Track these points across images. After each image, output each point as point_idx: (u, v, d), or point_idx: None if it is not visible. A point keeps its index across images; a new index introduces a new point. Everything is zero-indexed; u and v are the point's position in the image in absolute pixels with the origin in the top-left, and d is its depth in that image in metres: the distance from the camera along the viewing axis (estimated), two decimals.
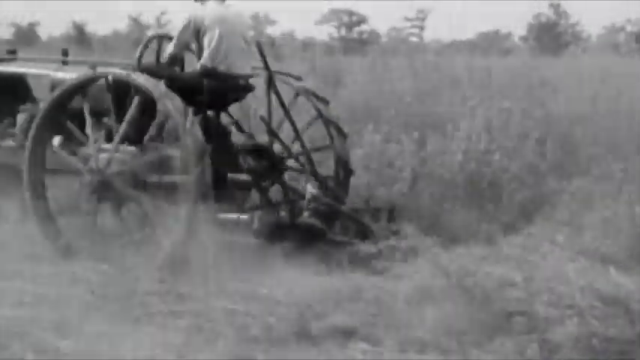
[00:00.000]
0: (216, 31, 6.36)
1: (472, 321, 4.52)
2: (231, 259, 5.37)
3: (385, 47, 32.66)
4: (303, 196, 6.48)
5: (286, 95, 6.90)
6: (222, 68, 6.39)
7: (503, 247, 5.47)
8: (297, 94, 6.95)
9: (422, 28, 51.76)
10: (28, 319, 4.60)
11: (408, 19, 52.33)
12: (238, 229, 6.00)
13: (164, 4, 57.03)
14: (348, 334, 4.51)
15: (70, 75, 6.50)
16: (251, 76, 6.65)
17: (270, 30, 52.62)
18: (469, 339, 4.44)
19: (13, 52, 7.57)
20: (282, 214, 6.42)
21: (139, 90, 6.02)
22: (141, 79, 6.00)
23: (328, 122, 6.92)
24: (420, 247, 5.68)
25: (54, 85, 6.57)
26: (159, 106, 5.98)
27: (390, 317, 4.67)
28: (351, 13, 52.67)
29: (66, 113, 6.31)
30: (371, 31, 52.37)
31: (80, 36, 43.03)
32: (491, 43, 41.70)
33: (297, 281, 5.24)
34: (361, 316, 4.72)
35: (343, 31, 52.89)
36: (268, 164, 6.61)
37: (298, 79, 7.13)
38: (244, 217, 6.12)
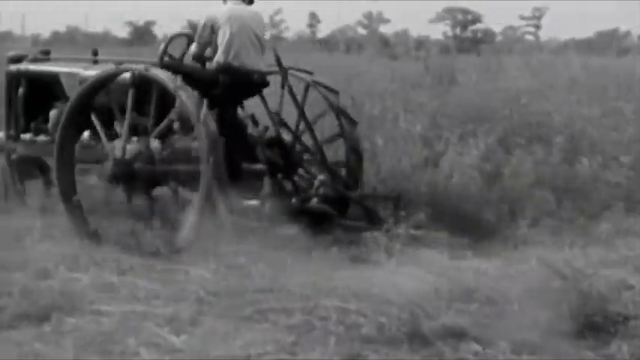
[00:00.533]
0: (228, 29, 6.68)
1: (587, 324, 4.40)
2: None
3: (499, 46, 32.21)
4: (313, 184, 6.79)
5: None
6: (235, 64, 6.71)
7: (620, 249, 5.31)
8: (307, 87, 7.15)
9: (538, 27, 50.90)
10: (142, 314, 4.69)
11: (523, 18, 51.56)
12: (250, 215, 6.26)
13: (279, 4, 57.67)
14: (459, 335, 4.43)
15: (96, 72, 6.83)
16: (264, 72, 6.95)
17: (384, 29, 52.57)
18: (585, 343, 4.32)
19: (47, 52, 7.92)
20: (294, 200, 6.61)
21: (156, 84, 6.34)
22: (158, 73, 6.34)
23: (339, 112, 7.16)
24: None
25: (82, 82, 6.85)
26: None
27: (502, 318, 4.56)
28: (465, 12, 52.18)
29: (91, 108, 6.65)
30: (485, 29, 51.73)
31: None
32: (609, 41, 40.56)
33: (407, 281, 5.18)
34: (473, 316, 4.63)
35: (457, 30, 52.39)
36: (283, 155, 6.94)
37: (310, 73, 7.33)
38: (255, 203, 6.38)
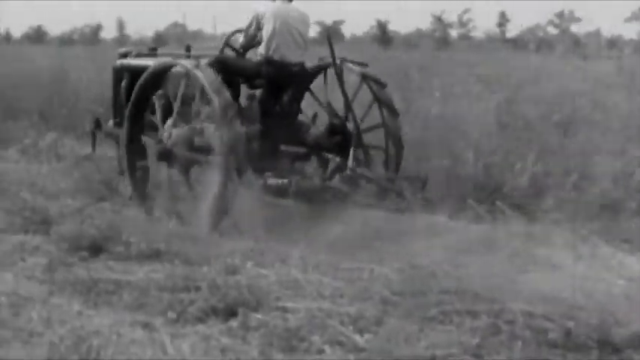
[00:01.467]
0: (271, 25, 7.31)
1: None
2: None
3: None
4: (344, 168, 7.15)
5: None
6: (276, 57, 7.35)
7: None
8: (362, 78, 7.61)
9: None
10: (327, 312, 4.70)
11: None
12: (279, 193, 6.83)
13: (468, 4, 57.16)
14: None
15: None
16: (303, 65, 7.55)
17: (575, 28, 51.01)
18: None
19: (154, 49, 8.63)
20: (315, 180, 7.11)
21: (186, 73, 6.91)
22: (183, 63, 6.99)
23: (382, 103, 7.56)
24: None
25: None
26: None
27: None
28: None
29: (149, 98, 7.37)
30: None
31: (382, 35, 44.12)
32: None
33: (595, 285, 4.97)
34: None
35: None
36: (343, 141, 7.42)
37: (365, 65, 7.72)
38: (284, 181, 6.79)
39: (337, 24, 50.96)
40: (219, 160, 6.51)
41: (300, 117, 7.79)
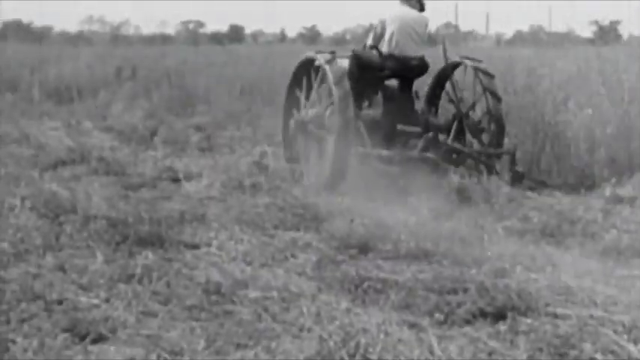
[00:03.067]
0: (392, 27, 8.87)
1: None
2: None
3: None
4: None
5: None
6: (396, 53, 8.87)
7: None
8: (474, 70, 9.00)
9: None
10: (600, 320, 4.51)
11: None
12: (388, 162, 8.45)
13: None
14: None
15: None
16: (422, 59, 8.96)
17: None
18: None
19: (333, 52, 9.19)
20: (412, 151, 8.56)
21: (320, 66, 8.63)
22: (319, 57, 8.64)
23: (487, 91, 8.84)
24: None
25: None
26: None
27: None
28: None
29: (300, 82, 9.15)
30: None
31: None
32: None
33: None
34: None
35: None
36: (447, 122, 9.04)
37: (479, 61, 9.11)
38: (389, 152, 8.43)
39: (614, 24, 48.78)
40: (334, 138, 8.20)
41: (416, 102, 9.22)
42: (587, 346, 4.18)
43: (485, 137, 8.89)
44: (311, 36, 59.21)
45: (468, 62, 9.08)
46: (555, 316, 4.64)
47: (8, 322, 4.41)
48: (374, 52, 9.00)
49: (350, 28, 62.70)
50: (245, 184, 8.01)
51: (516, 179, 8.33)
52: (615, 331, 4.34)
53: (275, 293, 5.03)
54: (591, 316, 4.58)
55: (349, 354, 4.06)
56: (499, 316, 4.60)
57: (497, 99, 8.85)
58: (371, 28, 9.79)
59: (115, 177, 8.74)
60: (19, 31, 46.82)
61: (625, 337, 4.27)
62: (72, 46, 29.08)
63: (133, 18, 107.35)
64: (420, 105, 9.20)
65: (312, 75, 8.91)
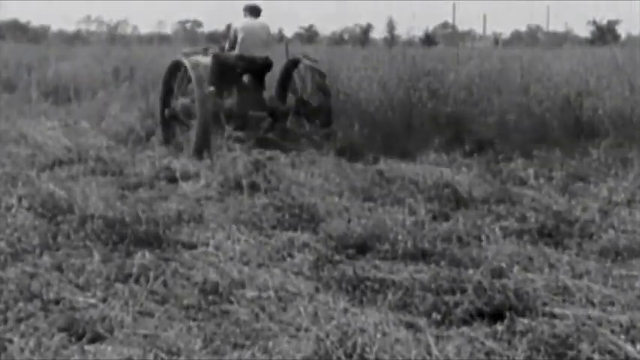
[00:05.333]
0: (241, 35, 11.24)
1: None
2: None
3: None
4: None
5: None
6: (246, 54, 11.26)
7: None
8: (310, 69, 11.32)
9: None
10: (597, 320, 4.51)
11: None
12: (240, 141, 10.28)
13: None
14: None
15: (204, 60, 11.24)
16: (266, 58, 11.37)
17: None
18: None
19: (206, 49, 11.84)
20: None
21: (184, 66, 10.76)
22: (185, 61, 10.75)
23: (318, 86, 11.11)
24: None
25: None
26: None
27: None
28: None
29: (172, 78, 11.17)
30: None
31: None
32: None
33: None
34: None
35: None
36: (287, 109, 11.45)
37: (315, 61, 11.48)
38: (241, 134, 10.64)
39: (612, 24, 48.79)
40: (197, 123, 10.20)
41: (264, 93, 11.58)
42: (585, 346, 4.18)
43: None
44: (308, 36, 59.22)
45: (305, 61, 11.36)
46: (553, 316, 4.65)
47: (5, 321, 4.41)
48: (230, 54, 11.32)
49: (348, 28, 62.79)
50: (242, 184, 7.99)
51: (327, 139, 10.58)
52: (613, 331, 4.35)
53: (272, 293, 5.03)
54: (589, 317, 4.59)
55: (346, 354, 4.06)
56: (497, 316, 4.60)
57: (326, 93, 11.09)
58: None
59: (113, 177, 8.73)
60: (17, 30, 46.81)
61: (622, 337, 4.28)
62: (69, 45, 29.05)
63: (130, 18, 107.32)
64: (267, 95, 11.59)
65: (182, 73, 10.84)
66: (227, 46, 11.48)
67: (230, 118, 10.60)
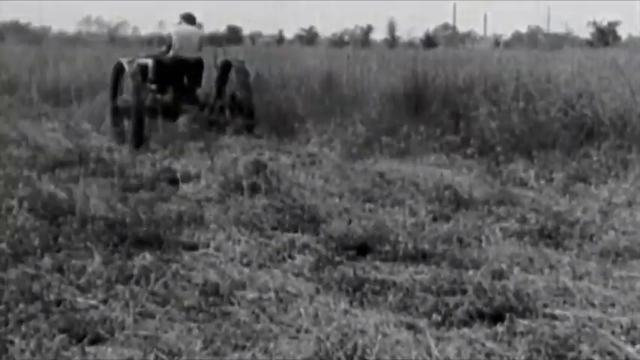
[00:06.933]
0: (175, 39, 12.63)
1: None
2: None
3: None
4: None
5: None
6: (179, 56, 12.55)
7: None
8: (236, 69, 12.77)
9: None
10: (597, 322, 4.51)
11: None
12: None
13: None
14: None
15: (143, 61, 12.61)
16: (198, 59, 12.79)
17: None
18: None
19: (156, 55, 13.35)
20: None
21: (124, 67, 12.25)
22: (124, 62, 12.20)
23: (241, 84, 12.48)
24: None
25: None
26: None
27: None
28: None
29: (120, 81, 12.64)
30: None
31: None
32: None
33: None
34: None
35: None
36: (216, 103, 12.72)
37: (242, 62, 13.07)
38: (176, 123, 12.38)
39: (612, 25, 48.91)
40: (132, 113, 11.61)
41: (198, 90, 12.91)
42: (585, 348, 4.17)
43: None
44: (309, 37, 59.19)
45: (234, 62, 12.91)
46: (553, 317, 4.64)
47: (6, 322, 4.41)
48: (167, 56, 12.58)
49: (349, 29, 62.77)
50: (243, 185, 7.99)
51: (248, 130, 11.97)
52: (613, 333, 4.34)
53: (273, 294, 5.03)
54: (589, 318, 4.58)
55: (347, 355, 4.06)
56: (497, 317, 4.59)
57: (248, 90, 12.47)
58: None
59: (113, 178, 8.73)
60: (17, 32, 46.79)
61: (623, 338, 4.27)
62: (70, 47, 29.05)
63: (131, 19, 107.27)
64: (199, 91, 12.95)
65: (123, 73, 12.24)
66: (164, 49, 12.90)
67: (167, 112, 12.15)
